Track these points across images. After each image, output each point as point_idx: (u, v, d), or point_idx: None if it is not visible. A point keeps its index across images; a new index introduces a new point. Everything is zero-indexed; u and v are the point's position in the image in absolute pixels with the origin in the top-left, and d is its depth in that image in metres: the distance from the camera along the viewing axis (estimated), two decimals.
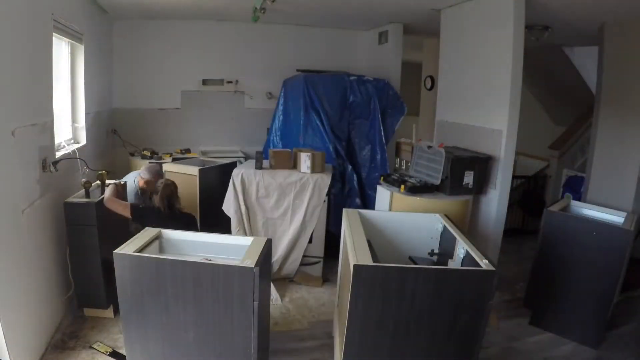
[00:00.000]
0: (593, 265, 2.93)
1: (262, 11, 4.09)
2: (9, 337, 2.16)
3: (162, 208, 2.96)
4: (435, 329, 2.09)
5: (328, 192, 3.71)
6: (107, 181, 3.15)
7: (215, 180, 4.14)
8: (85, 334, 2.84)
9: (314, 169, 3.72)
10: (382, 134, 4.42)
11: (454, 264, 2.41)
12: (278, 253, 3.72)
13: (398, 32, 5.01)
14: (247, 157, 5.02)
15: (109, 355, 2.66)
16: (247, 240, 2.43)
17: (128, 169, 4.42)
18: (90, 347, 2.70)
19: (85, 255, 2.86)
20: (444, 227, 2.71)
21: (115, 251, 2.13)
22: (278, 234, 3.74)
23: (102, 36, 4.63)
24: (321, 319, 3.23)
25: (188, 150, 5.18)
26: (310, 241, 3.77)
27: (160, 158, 4.72)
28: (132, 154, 4.91)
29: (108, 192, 2.98)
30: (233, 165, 4.28)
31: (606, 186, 3.93)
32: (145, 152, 4.82)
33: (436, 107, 4.40)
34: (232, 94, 5.50)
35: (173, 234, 2.55)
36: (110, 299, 2.89)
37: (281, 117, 5.02)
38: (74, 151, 3.39)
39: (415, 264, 2.56)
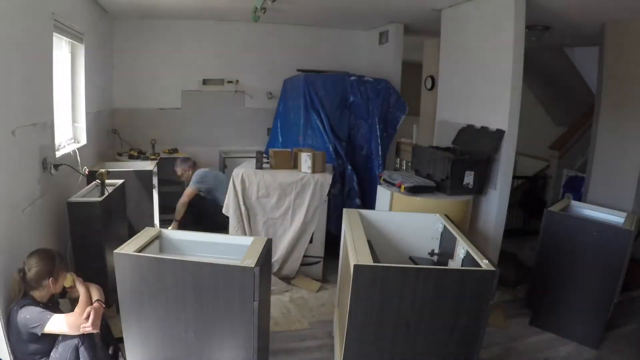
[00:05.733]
0: (593, 265, 2.93)
1: (263, 11, 4.09)
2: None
3: None
4: (436, 329, 2.09)
5: (327, 192, 3.71)
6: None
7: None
8: None
9: (314, 169, 3.72)
10: (383, 134, 4.42)
11: (454, 264, 2.41)
12: (278, 253, 3.72)
13: (398, 32, 5.01)
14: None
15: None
16: (247, 240, 2.42)
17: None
18: None
19: (89, 254, 2.86)
20: (444, 227, 2.71)
21: (115, 251, 2.13)
22: (279, 234, 3.74)
23: (102, 36, 4.64)
24: (321, 319, 3.23)
25: (175, 150, 5.17)
26: (310, 241, 3.78)
27: (147, 158, 4.72)
28: (120, 154, 4.90)
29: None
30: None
31: (606, 186, 3.93)
32: (132, 152, 4.83)
33: (436, 107, 4.40)
34: (232, 93, 5.50)
35: (173, 234, 2.55)
36: (114, 297, 2.88)
37: (281, 117, 5.02)
38: (74, 151, 3.39)
39: (416, 264, 2.57)
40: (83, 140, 3.84)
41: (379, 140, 4.40)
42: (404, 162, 5.78)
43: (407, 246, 2.82)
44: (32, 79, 2.62)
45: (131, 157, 4.75)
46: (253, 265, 2.02)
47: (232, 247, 2.44)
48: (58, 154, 3.07)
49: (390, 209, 3.32)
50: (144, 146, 5.01)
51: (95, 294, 2.34)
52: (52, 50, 2.94)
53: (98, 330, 2.21)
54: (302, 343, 2.94)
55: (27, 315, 2.03)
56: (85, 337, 2.12)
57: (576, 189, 5.08)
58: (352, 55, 5.70)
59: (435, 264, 2.68)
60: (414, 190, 3.26)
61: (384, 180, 3.54)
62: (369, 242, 2.32)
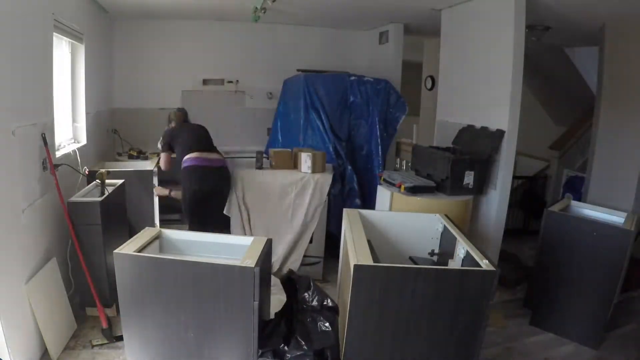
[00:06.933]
0: (593, 265, 2.93)
1: (263, 11, 4.10)
2: (9, 337, 2.17)
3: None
4: (435, 329, 2.09)
5: (327, 192, 3.71)
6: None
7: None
8: (86, 334, 2.84)
9: (314, 169, 3.72)
10: (383, 134, 4.42)
11: (454, 264, 2.41)
12: (278, 253, 3.72)
13: (398, 32, 5.01)
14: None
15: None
16: (247, 240, 2.43)
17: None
18: (92, 347, 2.71)
19: (89, 254, 2.86)
20: (444, 227, 2.71)
21: (115, 251, 2.14)
22: (279, 234, 3.74)
23: (103, 36, 4.64)
24: None
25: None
26: (310, 241, 3.77)
27: (147, 158, 4.72)
28: (120, 154, 4.90)
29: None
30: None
31: (606, 186, 3.93)
32: (132, 152, 4.82)
33: (436, 107, 4.40)
34: (232, 93, 5.50)
35: (173, 234, 2.55)
36: (114, 297, 2.89)
37: (281, 117, 5.02)
38: (74, 151, 3.39)
39: (416, 264, 2.56)
40: (83, 140, 3.84)
41: (379, 140, 4.40)
42: (404, 162, 5.76)
43: (407, 246, 2.82)
44: (32, 79, 2.62)
45: (131, 157, 4.75)
46: (253, 265, 2.03)
47: (232, 247, 2.45)
48: (58, 154, 3.07)
49: (390, 209, 3.32)
50: (144, 146, 5.01)
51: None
52: (52, 50, 2.94)
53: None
54: None
55: None
56: None
57: (576, 189, 5.08)
58: (352, 55, 5.69)
59: (435, 264, 2.68)
60: (414, 190, 3.26)
61: (384, 180, 3.55)
62: (369, 242, 2.32)
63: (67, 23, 3.26)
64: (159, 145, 3.80)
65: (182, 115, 3.85)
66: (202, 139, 3.66)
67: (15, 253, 2.32)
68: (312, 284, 2.47)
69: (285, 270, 3.80)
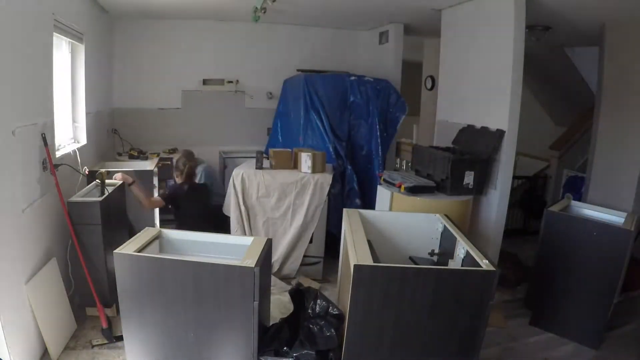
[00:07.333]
0: (593, 265, 2.93)
1: (263, 11, 4.09)
2: (9, 337, 2.16)
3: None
4: (435, 329, 2.09)
5: (327, 192, 3.71)
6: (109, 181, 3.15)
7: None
8: (86, 334, 2.84)
9: (314, 169, 3.72)
10: (383, 134, 4.42)
11: (454, 264, 2.41)
12: (278, 253, 3.72)
13: (399, 32, 5.01)
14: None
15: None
16: (247, 240, 2.43)
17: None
18: (92, 347, 2.70)
19: (89, 254, 2.86)
20: (444, 227, 2.71)
21: (115, 251, 2.14)
22: (279, 234, 3.74)
23: (103, 36, 4.64)
24: None
25: (175, 150, 5.17)
26: (310, 241, 3.77)
27: (147, 158, 4.72)
28: (120, 154, 4.91)
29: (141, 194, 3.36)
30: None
31: (606, 186, 3.93)
32: (132, 152, 4.83)
33: (436, 107, 4.40)
34: (232, 93, 5.50)
35: (173, 234, 2.55)
36: (114, 297, 2.88)
37: (281, 117, 5.03)
38: (74, 151, 3.39)
39: (416, 264, 2.57)
40: (83, 140, 3.84)
41: (379, 140, 4.40)
42: (404, 162, 5.77)
43: (407, 246, 2.82)
44: (32, 79, 2.62)
45: (131, 157, 4.76)
46: (253, 265, 2.03)
47: (232, 247, 2.45)
48: (58, 154, 3.07)
49: (390, 209, 3.32)
50: (144, 146, 5.01)
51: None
52: (52, 50, 2.94)
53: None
54: None
55: None
56: None
57: (576, 189, 5.08)
58: (352, 55, 5.70)
59: (435, 264, 2.68)
60: (414, 190, 3.26)
61: (384, 180, 3.55)
62: (369, 242, 2.32)
63: (67, 23, 3.26)
64: (165, 191, 3.53)
65: (189, 169, 3.54)
66: (196, 222, 3.40)
67: (15, 253, 2.32)
68: (318, 294, 2.55)
69: (285, 270, 3.80)
